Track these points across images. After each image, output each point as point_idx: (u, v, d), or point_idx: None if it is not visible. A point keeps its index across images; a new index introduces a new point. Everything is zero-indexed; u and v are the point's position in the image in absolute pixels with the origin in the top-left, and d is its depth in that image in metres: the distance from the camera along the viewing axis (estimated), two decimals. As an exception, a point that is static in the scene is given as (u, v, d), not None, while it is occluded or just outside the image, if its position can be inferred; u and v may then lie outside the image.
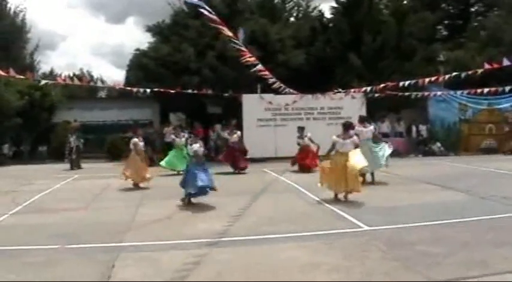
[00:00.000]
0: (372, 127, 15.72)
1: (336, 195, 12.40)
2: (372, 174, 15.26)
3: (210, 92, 23.61)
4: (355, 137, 12.65)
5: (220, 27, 14.05)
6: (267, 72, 19.32)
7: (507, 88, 22.87)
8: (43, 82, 22.95)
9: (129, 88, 24.45)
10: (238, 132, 19.99)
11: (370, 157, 14.18)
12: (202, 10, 12.85)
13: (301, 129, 19.80)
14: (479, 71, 18.08)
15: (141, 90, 22.84)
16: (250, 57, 16.69)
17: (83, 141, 23.87)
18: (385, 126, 27.13)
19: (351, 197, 12.28)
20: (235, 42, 15.62)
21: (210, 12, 12.95)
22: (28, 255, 7.74)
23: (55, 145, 26.89)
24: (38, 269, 7.03)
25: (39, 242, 8.60)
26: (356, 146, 12.45)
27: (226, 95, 24.19)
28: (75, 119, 26.51)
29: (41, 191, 14.99)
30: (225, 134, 20.27)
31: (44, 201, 13.35)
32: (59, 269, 7.05)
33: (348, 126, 12.75)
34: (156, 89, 22.10)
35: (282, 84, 21.68)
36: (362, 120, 15.89)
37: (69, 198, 13.86)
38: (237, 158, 19.31)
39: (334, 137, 12.50)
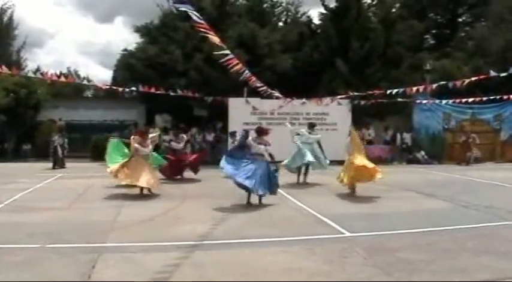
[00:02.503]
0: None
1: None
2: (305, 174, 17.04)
3: (196, 94, 23.60)
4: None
5: (208, 32, 14.07)
6: (254, 78, 19.34)
7: (491, 97, 23.19)
8: (31, 75, 22.70)
9: (115, 87, 24.46)
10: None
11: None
12: (191, 14, 12.86)
13: (233, 135, 20.07)
14: (467, 81, 18.26)
15: (127, 90, 22.84)
16: (237, 64, 16.69)
17: (67, 141, 23.73)
18: (371, 133, 27.31)
19: (333, 202, 12.48)
20: (222, 47, 15.62)
21: (198, 17, 12.96)
22: (9, 254, 7.68)
23: (39, 144, 26.82)
24: (19, 268, 6.98)
25: (21, 241, 8.53)
26: None
27: (210, 98, 24.15)
28: (60, 118, 26.42)
29: (23, 189, 14.90)
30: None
31: (27, 200, 13.25)
32: (40, 268, 6.99)
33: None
34: (142, 90, 22.07)
35: (269, 90, 21.72)
36: (311, 126, 17.85)
37: (52, 197, 13.79)
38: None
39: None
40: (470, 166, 24.36)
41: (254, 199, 12.46)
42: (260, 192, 12.34)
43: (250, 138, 12.82)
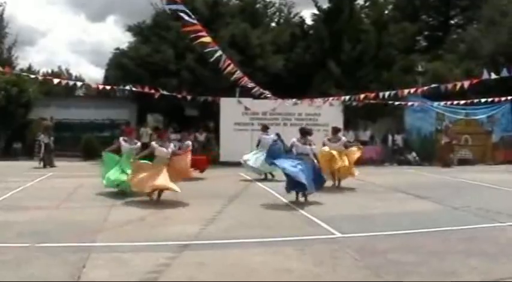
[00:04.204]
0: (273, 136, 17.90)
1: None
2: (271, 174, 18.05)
3: (188, 95, 23.46)
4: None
5: (199, 34, 14.04)
6: (245, 79, 19.33)
7: (483, 100, 23.27)
8: (26, 73, 22.56)
9: (109, 87, 24.44)
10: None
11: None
12: (183, 15, 12.83)
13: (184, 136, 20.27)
14: (459, 85, 18.31)
15: (122, 87, 22.77)
16: (229, 64, 16.68)
17: (53, 139, 23.60)
18: (367, 134, 27.52)
19: (324, 203, 12.71)
20: (215, 48, 15.59)
21: (189, 16, 12.94)
22: (-3, 253, 7.65)
23: (30, 142, 26.68)
24: (7, 268, 6.93)
25: (9, 240, 8.48)
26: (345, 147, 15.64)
27: (202, 98, 24.02)
28: (51, 117, 26.32)
29: (13, 188, 14.81)
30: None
31: (16, 199, 13.20)
32: (28, 268, 6.95)
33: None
34: (135, 89, 21.98)
35: (262, 90, 21.68)
36: (265, 128, 19.15)
37: (42, 196, 13.73)
38: None
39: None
40: (452, 168, 24.32)
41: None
42: (311, 190, 12.83)
43: (295, 139, 13.44)
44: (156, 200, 12.83)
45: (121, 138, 14.52)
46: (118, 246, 8.10)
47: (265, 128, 19.13)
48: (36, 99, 28.26)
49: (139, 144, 14.56)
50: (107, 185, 13.94)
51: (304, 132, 13.64)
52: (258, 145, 18.70)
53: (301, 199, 12.89)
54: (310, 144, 13.36)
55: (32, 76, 22.78)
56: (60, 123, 27.17)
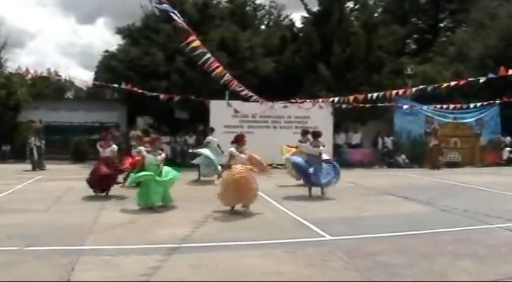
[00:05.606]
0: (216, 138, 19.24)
1: None
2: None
3: (178, 97, 23.34)
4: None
5: (190, 36, 14.06)
6: (235, 82, 19.32)
7: (471, 105, 23.39)
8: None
9: (98, 83, 24.37)
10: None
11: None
12: (172, 15, 12.84)
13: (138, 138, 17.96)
14: (445, 85, 18.37)
15: (111, 90, 22.73)
16: (218, 67, 16.67)
17: (44, 142, 23.51)
18: (358, 137, 27.60)
19: (314, 206, 12.79)
20: (204, 51, 15.58)
21: (179, 18, 12.95)
22: (-14, 256, 7.61)
23: (18, 145, 26.60)
24: (-4, 270, 6.92)
25: (-1, 243, 8.46)
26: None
27: (192, 97, 23.89)
28: (40, 119, 26.22)
29: (2, 191, 14.75)
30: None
31: (5, 202, 13.13)
32: (18, 271, 6.93)
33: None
34: (125, 87, 21.91)
35: (251, 93, 21.67)
36: (212, 130, 20.03)
37: (31, 199, 13.66)
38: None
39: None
40: (441, 170, 24.34)
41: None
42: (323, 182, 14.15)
43: (307, 143, 14.67)
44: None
45: (143, 149, 13.80)
46: (108, 249, 8.07)
47: (212, 130, 19.95)
48: (26, 101, 28.18)
49: (163, 155, 12.95)
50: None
51: (316, 135, 14.49)
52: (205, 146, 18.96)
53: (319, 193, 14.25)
54: (319, 146, 14.24)
55: (21, 72, 22.55)
56: (50, 126, 27.06)
